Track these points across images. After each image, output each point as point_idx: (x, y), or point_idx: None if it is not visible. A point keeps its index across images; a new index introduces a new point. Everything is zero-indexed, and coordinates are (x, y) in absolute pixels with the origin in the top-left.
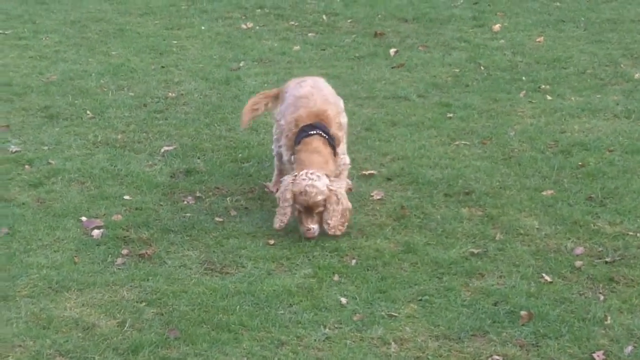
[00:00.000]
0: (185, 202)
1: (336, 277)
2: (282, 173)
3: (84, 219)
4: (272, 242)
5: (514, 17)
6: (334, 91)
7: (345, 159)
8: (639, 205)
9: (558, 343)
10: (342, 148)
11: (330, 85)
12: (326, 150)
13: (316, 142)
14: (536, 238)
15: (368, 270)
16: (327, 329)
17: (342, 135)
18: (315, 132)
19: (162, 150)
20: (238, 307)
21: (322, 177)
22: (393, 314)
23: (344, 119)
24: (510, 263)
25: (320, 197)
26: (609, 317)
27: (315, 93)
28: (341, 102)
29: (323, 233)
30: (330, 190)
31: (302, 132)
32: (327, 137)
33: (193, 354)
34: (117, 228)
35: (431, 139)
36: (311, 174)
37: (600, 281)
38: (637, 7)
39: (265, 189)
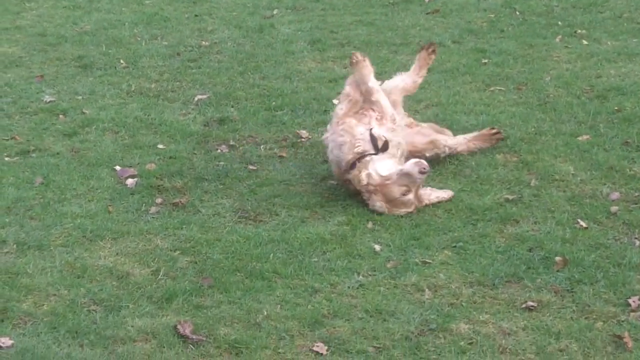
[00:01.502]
0: (219, 151)
1: (370, 225)
2: None
3: (117, 168)
4: (305, 190)
5: None
6: None
7: None
8: None
9: (593, 289)
10: None
11: (364, 31)
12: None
13: None
14: (571, 184)
15: (401, 217)
16: (360, 276)
17: None
18: None
19: (196, 99)
20: (271, 255)
21: None
22: (427, 260)
23: None
24: (545, 209)
25: None
26: None
27: None
28: None
29: None
30: None
31: None
32: None
33: (227, 301)
34: (150, 177)
35: (466, 85)
36: None
37: (636, 226)
38: None
39: None
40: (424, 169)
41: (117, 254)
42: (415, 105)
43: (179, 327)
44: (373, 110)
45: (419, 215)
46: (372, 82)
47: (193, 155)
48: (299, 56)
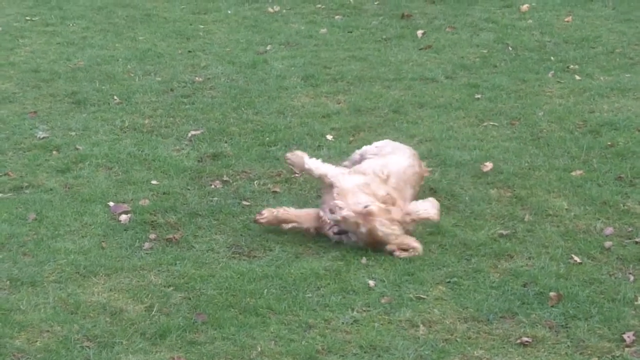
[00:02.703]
0: (213, 186)
1: (364, 260)
2: None
3: (111, 204)
4: None
5: None
6: None
7: None
8: None
9: (587, 324)
10: None
11: (357, 67)
12: None
13: None
14: (565, 219)
15: None
16: (354, 312)
17: None
18: None
19: (189, 134)
20: (265, 290)
21: None
22: (421, 296)
23: None
24: (539, 244)
25: None
26: (639, 298)
27: None
28: None
29: None
30: None
31: None
32: None
33: (220, 337)
34: (144, 213)
35: (459, 120)
36: None
37: (630, 261)
38: None
39: None
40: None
41: (110, 290)
42: (409, 140)
43: None
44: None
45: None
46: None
47: (187, 191)
48: (292, 92)
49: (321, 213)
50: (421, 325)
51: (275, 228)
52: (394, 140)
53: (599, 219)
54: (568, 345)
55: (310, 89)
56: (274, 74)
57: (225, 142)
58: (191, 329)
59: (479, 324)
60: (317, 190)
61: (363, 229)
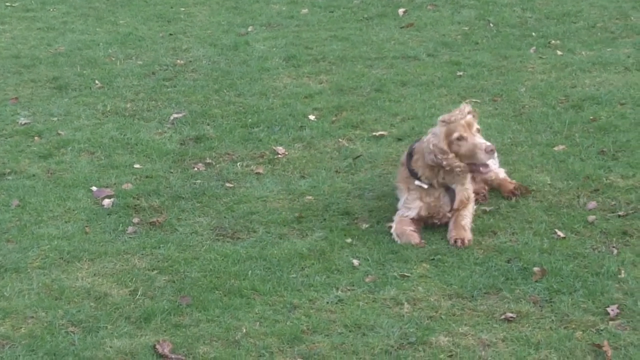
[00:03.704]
0: (196, 169)
1: (348, 240)
2: None
3: (94, 188)
4: (283, 206)
5: None
6: None
7: None
8: None
9: (572, 298)
10: None
11: (339, 47)
12: None
13: None
14: (548, 194)
15: (380, 232)
16: (339, 291)
17: None
18: None
19: (172, 117)
20: (250, 272)
21: None
22: (405, 274)
23: None
24: (523, 220)
25: None
26: (622, 271)
27: None
28: None
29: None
30: None
31: None
32: None
33: (205, 320)
34: (127, 197)
35: (441, 98)
36: None
37: (614, 235)
38: None
39: None
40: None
41: (94, 274)
42: (391, 119)
43: (157, 346)
44: None
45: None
46: None
47: (170, 174)
48: (274, 73)
49: None
50: (405, 303)
51: (259, 209)
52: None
53: (582, 194)
54: (552, 320)
55: (292, 69)
56: (255, 55)
57: (208, 125)
58: (176, 311)
59: (463, 301)
60: (300, 171)
61: None
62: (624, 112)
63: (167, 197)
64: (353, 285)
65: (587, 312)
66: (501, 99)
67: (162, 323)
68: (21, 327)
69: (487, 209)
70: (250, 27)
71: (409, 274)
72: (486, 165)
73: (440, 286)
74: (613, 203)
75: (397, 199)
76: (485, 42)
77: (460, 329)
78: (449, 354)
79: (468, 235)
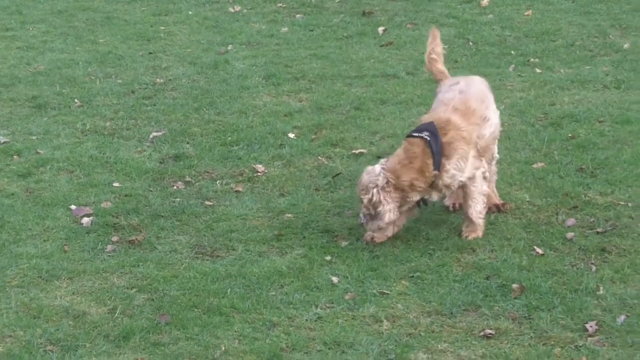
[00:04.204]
0: (175, 187)
1: (327, 257)
2: None
3: (73, 207)
4: (262, 224)
5: None
6: (487, 97)
7: (457, 175)
8: (629, 175)
9: (550, 315)
10: (457, 163)
11: (319, 65)
12: (416, 159)
13: (414, 146)
14: (527, 211)
15: (359, 249)
16: (318, 309)
17: (460, 147)
18: (419, 134)
19: (151, 136)
20: (229, 290)
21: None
22: (385, 291)
23: (484, 131)
24: (502, 237)
25: (361, 192)
26: (601, 288)
27: (457, 97)
28: (490, 112)
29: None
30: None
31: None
32: (430, 142)
33: (184, 338)
34: (106, 215)
35: (421, 116)
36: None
37: (592, 252)
38: None
39: None
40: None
41: (73, 293)
42: (371, 137)
43: None
44: None
45: (376, 247)
46: None
47: (149, 193)
48: (254, 91)
49: None
50: (385, 320)
51: (238, 227)
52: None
53: (561, 211)
54: (531, 337)
55: (271, 88)
56: (235, 73)
57: (187, 143)
58: (155, 330)
59: (443, 318)
60: (280, 189)
61: None
62: (603, 129)
63: (146, 215)
64: (332, 303)
65: (565, 328)
66: None
67: (141, 341)
68: None
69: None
70: (230, 45)
71: (388, 291)
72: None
73: (419, 303)
74: (592, 220)
75: None
76: (464, 60)
77: (439, 345)
78: None
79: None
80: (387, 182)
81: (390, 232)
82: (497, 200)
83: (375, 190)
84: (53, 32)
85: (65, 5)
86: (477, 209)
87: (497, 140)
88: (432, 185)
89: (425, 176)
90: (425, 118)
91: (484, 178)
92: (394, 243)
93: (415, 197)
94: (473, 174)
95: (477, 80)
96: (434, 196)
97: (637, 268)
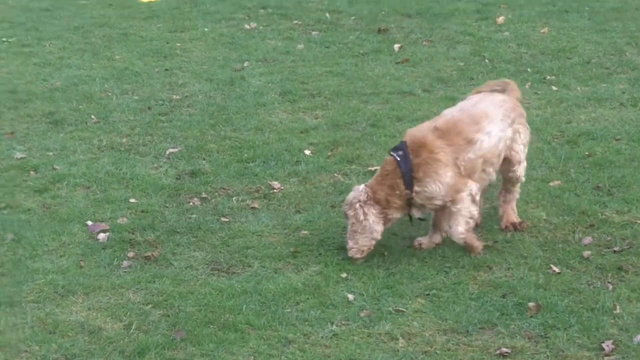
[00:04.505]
0: (191, 204)
1: (343, 274)
2: None
3: (89, 223)
4: (278, 240)
5: (517, 9)
6: (488, 117)
7: (430, 197)
8: None
9: (567, 334)
10: (429, 185)
11: (335, 82)
12: (388, 176)
13: (388, 164)
14: (544, 229)
15: (375, 266)
16: (334, 326)
17: (432, 170)
18: (394, 153)
19: (167, 152)
20: (244, 306)
21: (356, 190)
22: (400, 309)
23: (468, 154)
24: (518, 255)
25: (345, 207)
26: (618, 307)
27: (450, 115)
28: (481, 135)
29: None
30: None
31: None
32: (400, 163)
33: (199, 354)
34: (122, 231)
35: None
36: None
37: (609, 270)
38: None
39: None
40: None
41: (89, 308)
42: (386, 154)
43: None
44: None
45: (393, 264)
46: None
47: (165, 209)
48: (270, 108)
49: None
50: (400, 338)
51: (254, 243)
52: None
53: (578, 229)
54: (547, 355)
55: (288, 104)
56: (251, 90)
57: (204, 159)
58: (170, 346)
59: (458, 336)
60: (296, 205)
61: None
62: (619, 147)
63: (162, 231)
64: (348, 320)
65: (582, 347)
66: None
67: (156, 357)
68: None
69: (483, 244)
70: (246, 62)
71: (404, 309)
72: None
73: (435, 321)
74: (608, 239)
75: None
76: (480, 77)
77: None
78: None
79: None
80: (368, 197)
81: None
82: (515, 218)
83: (357, 205)
84: (69, 48)
85: (81, 21)
86: (458, 230)
87: (521, 163)
88: (410, 203)
89: (397, 194)
90: (409, 132)
91: (473, 200)
92: (410, 261)
93: (396, 214)
94: (454, 196)
95: (491, 99)
96: (415, 213)
97: None
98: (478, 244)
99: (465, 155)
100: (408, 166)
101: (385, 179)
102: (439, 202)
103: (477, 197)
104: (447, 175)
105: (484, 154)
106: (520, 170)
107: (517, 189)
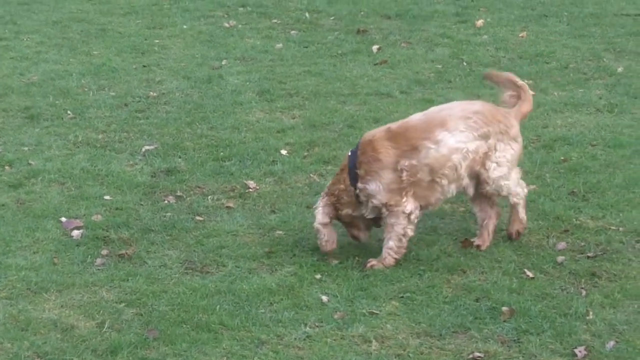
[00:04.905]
0: (166, 202)
1: (317, 276)
2: None
3: (63, 219)
4: (253, 240)
5: (497, 12)
6: (443, 127)
7: (369, 194)
8: (621, 200)
9: (540, 339)
10: (368, 183)
11: (313, 82)
12: (342, 171)
13: (344, 160)
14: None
15: (350, 268)
16: (307, 328)
17: (372, 170)
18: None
19: (143, 149)
20: (218, 306)
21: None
22: (374, 311)
23: (412, 160)
24: (492, 259)
25: None
26: (591, 312)
27: (408, 119)
28: (428, 143)
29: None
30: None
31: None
32: (349, 158)
33: (172, 354)
34: (97, 228)
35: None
36: None
37: (583, 276)
38: (620, 2)
39: None
40: None
41: (61, 306)
42: None
43: None
44: None
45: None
46: None
47: (140, 206)
48: (247, 107)
49: None
50: (374, 341)
51: (229, 243)
52: None
53: (552, 234)
54: None
55: (265, 104)
56: (229, 89)
57: (179, 157)
58: (143, 345)
59: (432, 339)
60: (271, 205)
61: None
62: (595, 153)
63: (136, 229)
64: (321, 322)
65: (554, 353)
66: None
67: (129, 356)
68: None
69: (458, 247)
70: (224, 60)
71: (377, 311)
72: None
73: (408, 324)
74: (582, 244)
75: None
76: (458, 80)
77: None
78: None
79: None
80: (326, 191)
81: (330, 245)
82: (486, 240)
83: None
84: (47, 43)
85: (59, 16)
86: (389, 245)
87: (494, 181)
88: (359, 201)
89: (345, 190)
90: (369, 131)
91: (408, 219)
92: None
93: (347, 209)
94: (392, 207)
95: (463, 107)
96: (367, 213)
97: (627, 293)
98: (391, 265)
99: (407, 161)
100: (353, 162)
101: (340, 174)
102: (377, 203)
103: (413, 217)
104: (387, 176)
105: (430, 163)
106: (497, 188)
107: (516, 200)
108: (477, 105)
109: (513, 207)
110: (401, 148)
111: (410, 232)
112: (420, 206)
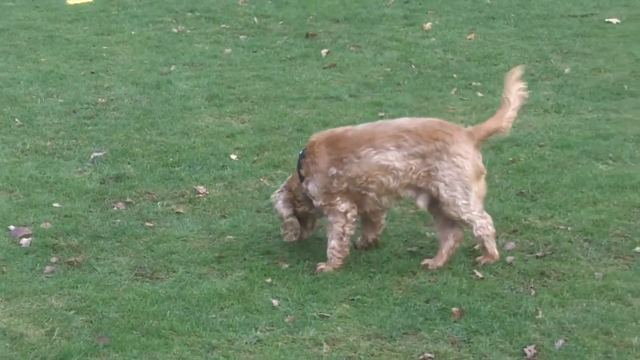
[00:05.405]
0: (116, 208)
1: (268, 280)
2: None
3: (12, 227)
4: (203, 246)
5: (444, 15)
6: (376, 142)
7: (310, 194)
8: (569, 200)
9: (490, 339)
10: (308, 183)
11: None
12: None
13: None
14: (467, 234)
15: (300, 272)
16: (258, 332)
17: (311, 171)
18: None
19: (92, 156)
20: (168, 312)
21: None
22: (325, 314)
23: (339, 170)
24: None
25: None
26: (540, 312)
27: (356, 128)
28: (352, 157)
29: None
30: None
31: None
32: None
33: None
34: (46, 236)
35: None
36: None
37: (532, 276)
38: (567, 3)
39: None
40: None
41: (10, 314)
42: None
43: None
44: None
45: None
46: None
47: (89, 213)
48: (196, 112)
49: None
50: (325, 344)
51: (179, 249)
52: None
53: (501, 235)
54: None
55: (214, 109)
56: (177, 94)
57: (129, 164)
58: (93, 352)
59: (382, 341)
60: (221, 210)
61: None
62: (543, 153)
63: (86, 236)
64: (272, 326)
65: (504, 352)
66: None
67: None
68: None
69: (407, 249)
70: (173, 66)
71: (328, 314)
72: None
73: (359, 326)
74: (531, 244)
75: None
76: (407, 83)
77: None
78: None
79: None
80: (283, 187)
81: (297, 236)
82: (440, 262)
83: (275, 193)
84: None
85: (6, 23)
86: (331, 245)
87: (449, 204)
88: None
89: (298, 187)
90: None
91: (345, 217)
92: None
93: (303, 207)
94: (330, 207)
95: (399, 124)
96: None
97: (575, 292)
98: (338, 265)
99: (334, 169)
100: (299, 163)
101: (295, 173)
102: (316, 203)
103: (350, 215)
104: (321, 180)
105: (352, 177)
106: (455, 210)
107: (480, 232)
108: (416, 123)
109: (478, 239)
110: (333, 156)
111: (349, 231)
112: (358, 211)
